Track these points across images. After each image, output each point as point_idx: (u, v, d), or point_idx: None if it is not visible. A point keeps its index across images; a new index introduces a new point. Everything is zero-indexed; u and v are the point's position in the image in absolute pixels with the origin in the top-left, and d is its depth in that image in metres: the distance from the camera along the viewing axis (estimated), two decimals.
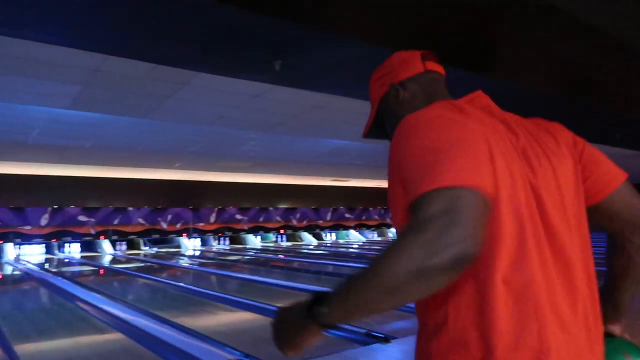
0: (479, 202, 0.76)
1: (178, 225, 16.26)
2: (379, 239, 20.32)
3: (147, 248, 15.61)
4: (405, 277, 0.72)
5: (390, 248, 0.75)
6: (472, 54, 4.02)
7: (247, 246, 17.08)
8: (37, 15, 2.98)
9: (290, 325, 0.88)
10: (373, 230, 20.94)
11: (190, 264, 12.14)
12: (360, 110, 6.72)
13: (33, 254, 13.79)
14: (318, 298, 0.82)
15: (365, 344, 3.62)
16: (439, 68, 1.12)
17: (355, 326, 4.11)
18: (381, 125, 1.17)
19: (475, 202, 0.76)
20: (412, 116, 0.90)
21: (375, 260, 0.76)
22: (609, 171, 1.01)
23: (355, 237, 20.02)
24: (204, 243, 16.92)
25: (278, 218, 18.47)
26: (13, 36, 3.48)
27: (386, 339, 3.58)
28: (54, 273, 9.98)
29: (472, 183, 0.76)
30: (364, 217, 20.56)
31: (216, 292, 7.11)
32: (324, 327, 0.82)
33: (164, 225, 16.01)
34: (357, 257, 12.64)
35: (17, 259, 12.85)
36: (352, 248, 15.72)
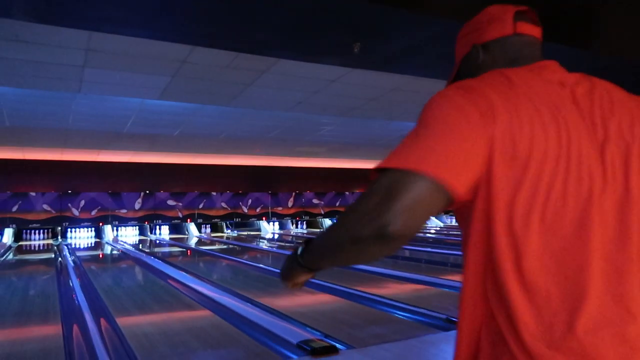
0: (426, 191, 0.76)
1: (258, 210, 16.82)
2: (457, 223, 19.75)
3: (229, 231, 16.34)
4: (344, 241, 0.81)
5: (345, 210, 0.84)
6: (568, 25, 3.75)
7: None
8: (132, 11, 3.19)
9: (286, 265, 1.07)
10: (451, 215, 20.39)
11: (269, 246, 12.56)
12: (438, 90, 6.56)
13: (129, 235, 14.92)
14: (304, 244, 1.01)
15: (445, 329, 3.57)
16: (532, 30, 0.99)
17: (435, 311, 4.07)
18: None
19: (422, 189, 0.75)
20: (434, 96, 0.89)
21: (335, 220, 0.87)
22: None
23: (432, 222, 19.64)
24: (282, 227, 17.40)
25: None
26: (110, 32, 3.75)
27: None
28: (147, 253, 10.74)
29: (429, 170, 0.76)
30: None
31: None
32: (304, 268, 1.00)
33: (245, 210, 16.63)
34: (434, 242, 12.41)
35: (116, 239, 13.97)
36: (430, 233, 15.45)
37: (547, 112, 0.83)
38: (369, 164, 16.70)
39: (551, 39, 3.61)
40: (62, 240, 13.49)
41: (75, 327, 4.19)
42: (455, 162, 0.78)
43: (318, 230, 17.30)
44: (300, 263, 1.00)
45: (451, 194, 0.77)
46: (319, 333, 3.67)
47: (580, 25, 3.84)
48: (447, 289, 5.35)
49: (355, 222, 0.78)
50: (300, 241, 1.03)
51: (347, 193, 18.38)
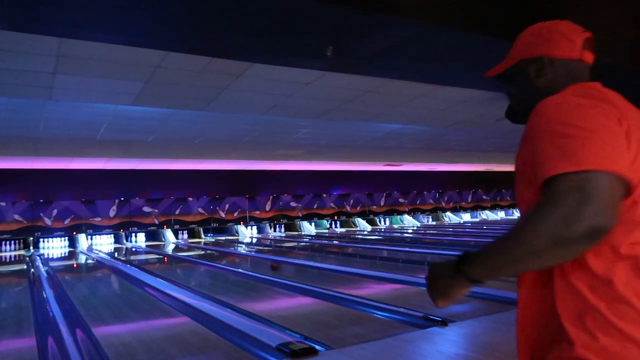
0: (613, 185, 0.85)
1: (235, 214, 16.74)
2: (434, 223, 20.03)
3: (208, 237, 16.21)
4: (544, 243, 0.83)
5: (530, 216, 0.87)
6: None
7: (302, 233, 17.34)
8: (104, 17, 3.17)
9: (442, 279, 1.03)
10: (427, 215, 20.66)
11: (248, 251, 12.50)
12: (413, 93, 6.65)
13: (104, 244, 14.65)
14: (465, 257, 0.98)
15: (423, 327, 3.63)
16: (591, 58, 1.11)
17: (414, 309, 4.13)
18: (508, 81, 1.19)
19: (610, 184, 0.85)
20: (553, 102, 0.96)
21: (516, 227, 0.89)
22: None
23: (409, 222, 19.85)
24: (260, 231, 17.34)
25: (332, 204, 18.60)
26: (82, 38, 3.70)
27: (444, 322, 3.57)
28: (123, 261, 10.58)
29: (608, 168, 0.85)
30: (418, 202, 20.31)
31: (274, 277, 7.30)
32: (471, 281, 0.97)
33: (222, 214, 16.52)
34: (411, 241, 12.55)
35: (90, 248, 13.71)
36: (407, 233, 15.61)
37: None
38: (347, 166, 16.79)
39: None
40: (35, 250, 13.17)
41: (50, 339, 4.11)
42: (624, 159, 0.88)
43: (296, 233, 17.31)
44: (468, 277, 0.97)
45: (628, 187, 0.88)
46: (298, 335, 3.68)
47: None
48: (424, 287, 5.42)
49: (560, 224, 0.82)
50: (461, 255, 1.00)
51: (324, 195, 18.43)
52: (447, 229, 15.69)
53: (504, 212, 21.94)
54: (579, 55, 1.09)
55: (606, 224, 0.82)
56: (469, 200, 21.55)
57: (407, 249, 10.30)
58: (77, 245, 13.91)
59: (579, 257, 0.89)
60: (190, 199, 16.00)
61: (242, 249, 12.85)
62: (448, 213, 20.88)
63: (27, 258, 11.43)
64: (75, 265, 10.76)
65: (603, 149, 0.87)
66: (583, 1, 4.01)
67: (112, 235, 14.96)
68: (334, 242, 13.61)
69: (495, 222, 18.54)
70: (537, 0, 3.79)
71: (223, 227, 16.66)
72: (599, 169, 0.84)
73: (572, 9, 4.02)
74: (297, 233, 17.33)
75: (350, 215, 18.87)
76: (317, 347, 3.25)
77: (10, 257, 12.46)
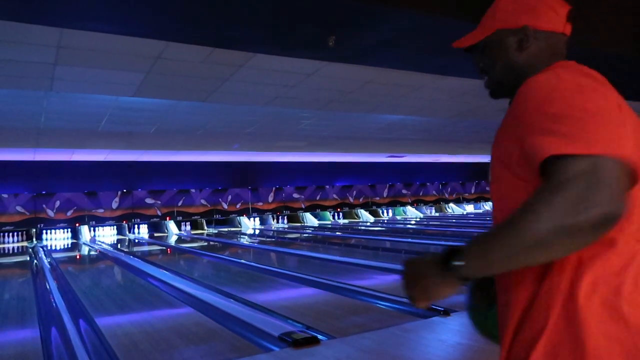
0: (621, 171, 0.78)
1: (238, 206, 16.75)
2: (437, 214, 20.02)
3: (210, 229, 16.24)
4: (548, 234, 0.74)
5: (529, 204, 0.77)
6: None
7: (305, 224, 17.37)
8: (105, 8, 3.14)
9: (425, 276, 0.88)
10: (430, 206, 20.65)
11: (250, 242, 12.54)
12: (415, 84, 6.61)
13: (106, 235, 14.70)
14: (454, 251, 0.84)
15: (425, 317, 3.64)
16: (570, 31, 1.03)
17: None
18: (481, 52, 1.07)
19: (618, 170, 0.77)
20: (544, 80, 0.88)
21: (515, 216, 0.78)
22: None
23: (412, 213, 19.85)
24: (263, 222, 17.37)
25: (335, 196, 18.60)
26: (82, 29, 3.68)
27: (446, 312, 3.57)
28: (126, 252, 10.62)
29: (618, 153, 0.78)
30: (421, 193, 20.30)
31: (277, 268, 7.32)
32: (461, 279, 0.84)
33: (225, 206, 16.55)
34: (414, 232, 12.55)
35: (93, 240, 13.76)
36: (410, 224, 15.62)
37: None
38: (349, 157, 16.77)
39: None
40: (37, 242, 13.23)
41: (53, 330, 4.13)
42: (631, 146, 0.81)
43: (299, 224, 17.33)
44: (456, 274, 0.84)
45: (635, 175, 0.81)
46: (301, 325, 3.69)
47: None
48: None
49: (569, 212, 0.74)
50: (448, 249, 0.86)
51: (327, 187, 18.42)
52: (450, 220, 15.69)
53: None
54: (563, 28, 0.99)
55: (619, 211, 0.75)
56: (472, 191, 21.52)
57: (410, 239, 10.30)
58: (80, 236, 13.96)
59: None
60: (193, 190, 16.02)
61: (245, 240, 12.88)
62: (451, 204, 20.86)
63: (30, 249, 11.48)
64: (78, 257, 10.81)
65: (612, 133, 0.80)
66: None
67: (115, 226, 15.00)
68: (337, 233, 13.63)
69: None
70: None
71: (226, 219, 16.70)
72: (609, 153, 0.77)
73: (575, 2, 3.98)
74: (299, 224, 17.36)
75: (353, 206, 18.88)
76: (319, 336, 3.26)
77: (13, 248, 12.52)
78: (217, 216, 16.42)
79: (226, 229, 15.88)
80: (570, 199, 0.74)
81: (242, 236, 14.00)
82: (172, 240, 13.60)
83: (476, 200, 21.52)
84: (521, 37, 0.99)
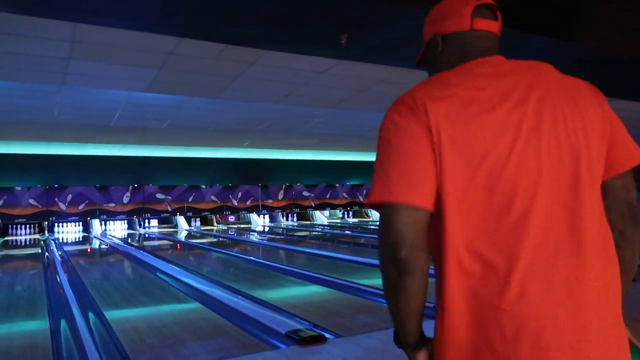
0: (409, 216, 0.88)
1: (248, 203, 16.80)
2: None
3: (220, 225, 16.31)
4: (384, 284, 0.94)
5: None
6: (553, 16, 3.76)
7: (315, 222, 17.36)
8: (118, 3, 3.15)
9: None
10: None
11: (260, 239, 12.56)
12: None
13: (117, 230, 14.83)
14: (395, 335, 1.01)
15: (432, 317, 3.60)
16: (488, 26, 1.02)
17: None
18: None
19: (405, 215, 0.88)
20: (388, 114, 0.96)
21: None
22: (625, 152, 0.99)
23: None
24: (272, 219, 17.39)
25: (345, 195, 18.57)
26: (95, 24, 3.70)
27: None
28: (136, 247, 10.69)
29: (404, 200, 0.89)
30: None
31: (285, 265, 7.32)
32: (408, 349, 0.99)
33: (235, 202, 16.60)
34: None
35: (104, 234, 13.88)
36: None
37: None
38: (360, 157, 16.73)
39: (535, 30, 3.63)
40: (49, 235, 13.37)
41: (62, 322, 4.16)
42: (420, 186, 0.90)
43: (309, 222, 17.33)
44: (400, 346, 1.00)
45: (428, 210, 0.90)
46: (308, 323, 3.69)
47: (565, 16, 3.86)
48: (433, 278, 5.39)
49: (381, 262, 0.93)
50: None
51: (337, 185, 18.40)
52: None
53: None
54: (469, 25, 1.01)
55: (401, 255, 0.88)
56: None
57: None
58: (91, 230, 14.09)
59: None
60: (204, 186, 16.08)
61: (255, 237, 12.91)
62: None
63: (42, 242, 11.62)
64: (89, 250, 10.90)
65: (400, 179, 0.89)
66: None
67: (126, 221, 15.12)
68: (346, 232, 13.61)
69: None
70: None
71: (236, 215, 16.76)
72: (397, 201, 0.88)
73: (589, 2, 3.91)
74: (309, 222, 17.36)
75: (363, 205, 18.83)
76: (327, 334, 3.25)
77: (26, 240, 12.68)
78: (227, 212, 16.47)
79: (236, 226, 15.93)
80: (379, 250, 0.93)
81: (251, 233, 14.03)
82: (182, 235, 13.67)
83: None
84: (434, 44, 1.07)
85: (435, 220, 0.92)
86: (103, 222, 14.63)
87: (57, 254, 9.19)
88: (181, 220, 15.62)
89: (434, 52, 1.07)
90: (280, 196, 17.37)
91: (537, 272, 0.86)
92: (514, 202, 0.88)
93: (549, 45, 3.90)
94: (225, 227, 15.69)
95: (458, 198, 0.89)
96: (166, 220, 15.73)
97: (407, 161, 0.90)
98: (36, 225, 13.85)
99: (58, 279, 6.38)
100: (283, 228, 15.47)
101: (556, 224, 0.88)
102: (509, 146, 0.88)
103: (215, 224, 16.22)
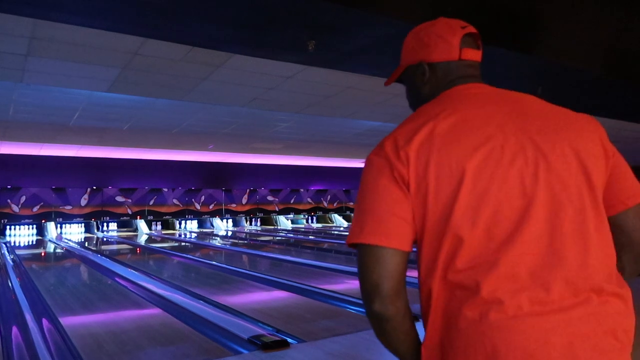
0: (382, 258, 0.91)
1: (211, 207, 16.59)
2: None
3: (182, 229, 16.02)
4: (371, 323, 0.96)
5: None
6: (512, 29, 3.91)
7: (278, 227, 17.30)
8: (81, 0, 3.08)
9: None
10: None
11: (223, 244, 12.41)
12: (393, 91, 6.68)
13: (74, 233, 14.34)
14: None
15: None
16: (474, 56, 1.05)
17: None
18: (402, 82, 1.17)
19: (378, 257, 0.91)
20: (368, 156, 1.00)
21: None
22: (632, 186, 0.98)
23: None
24: (235, 224, 17.22)
25: (309, 200, 18.60)
26: (57, 21, 3.60)
27: (416, 318, 3.60)
28: (93, 251, 10.38)
29: (377, 242, 0.91)
30: None
31: (248, 270, 7.27)
32: None
33: (198, 206, 16.36)
34: None
35: (59, 237, 13.40)
36: None
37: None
38: (325, 162, 16.81)
39: (494, 43, 3.76)
40: (1, 238, 12.81)
41: (14, 329, 4.00)
42: (392, 226, 0.91)
43: (272, 227, 17.24)
44: None
45: (401, 251, 0.92)
46: (271, 328, 3.67)
47: (523, 29, 4.02)
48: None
49: (364, 301, 0.94)
50: None
51: (302, 190, 18.41)
52: None
53: None
54: (458, 55, 1.04)
55: (381, 295, 0.90)
56: None
57: None
58: (46, 233, 13.58)
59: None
60: (165, 189, 15.78)
61: (217, 242, 12.75)
62: None
63: None
64: (43, 254, 10.50)
65: (378, 222, 0.92)
66: (560, 11, 4.08)
67: (83, 224, 14.65)
68: (310, 237, 13.62)
69: None
70: (515, 6, 3.84)
71: (198, 220, 16.50)
72: (370, 242, 0.91)
73: (548, 16, 4.09)
74: (273, 227, 17.29)
75: (327, 211, 18.91)
76: (289, 339, 3.25)
77: None
78: (189, 217, 16.21)
79: (198, 230, 15.69)
80: (361, 290, 0.94)
81: (214, 237, 13.85)
82: (142, 239, 13.35)
83: None
84: (421, 71, 1.07)
85: (419, 244, 0.95)
86: (59, 225, 14.13)
87: (8, 257, 8.81)
88: (141, 224, 15.26)
89: (421, 79, 1.08)
90: (244, 200, 17.23)
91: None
92: (497, 228, 0.88)
93: (507, 58, 4.05)
94: (187, 232, 15.40)
95: (438, 225, 0.91)
96: (126, 223, 15.34)
97: (381, 202, 0.92)
98: None
99: (10, 284, 6.12)
100: (246, 233, 15.34)
101: (539, 246, 0.88)
102: (490, 172, 0.88)
103: (177, 227, 15.91)
